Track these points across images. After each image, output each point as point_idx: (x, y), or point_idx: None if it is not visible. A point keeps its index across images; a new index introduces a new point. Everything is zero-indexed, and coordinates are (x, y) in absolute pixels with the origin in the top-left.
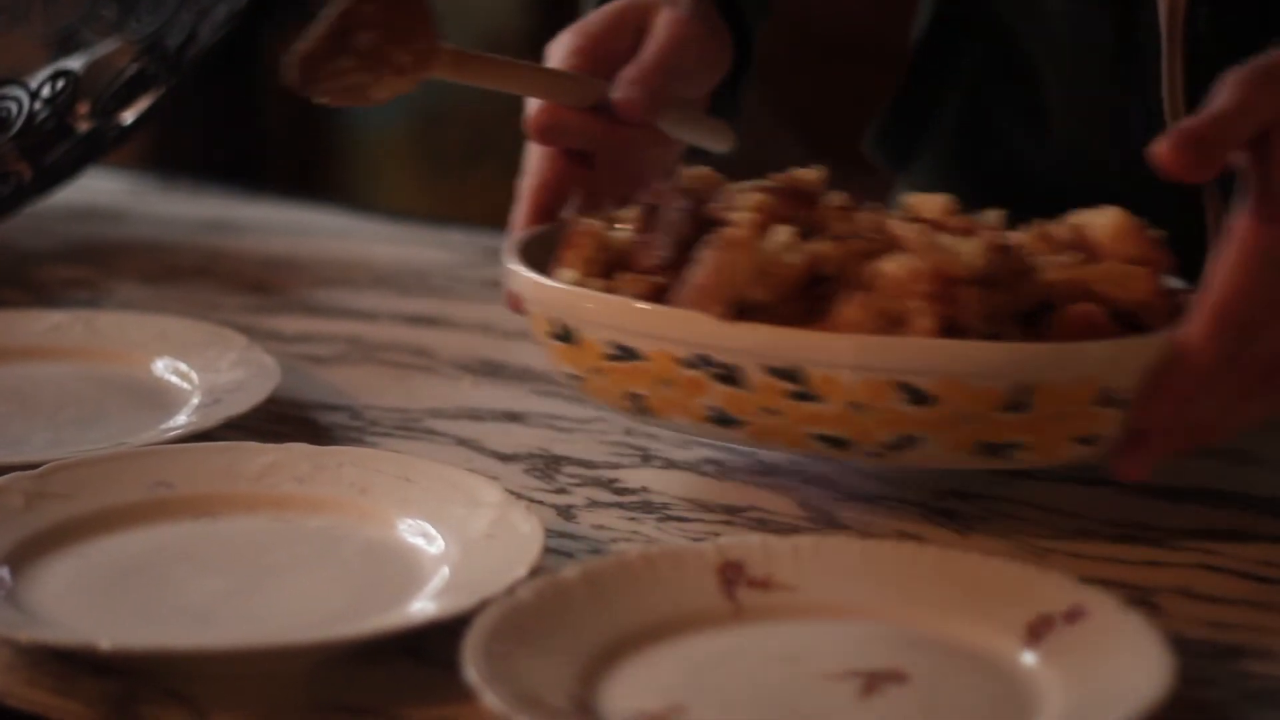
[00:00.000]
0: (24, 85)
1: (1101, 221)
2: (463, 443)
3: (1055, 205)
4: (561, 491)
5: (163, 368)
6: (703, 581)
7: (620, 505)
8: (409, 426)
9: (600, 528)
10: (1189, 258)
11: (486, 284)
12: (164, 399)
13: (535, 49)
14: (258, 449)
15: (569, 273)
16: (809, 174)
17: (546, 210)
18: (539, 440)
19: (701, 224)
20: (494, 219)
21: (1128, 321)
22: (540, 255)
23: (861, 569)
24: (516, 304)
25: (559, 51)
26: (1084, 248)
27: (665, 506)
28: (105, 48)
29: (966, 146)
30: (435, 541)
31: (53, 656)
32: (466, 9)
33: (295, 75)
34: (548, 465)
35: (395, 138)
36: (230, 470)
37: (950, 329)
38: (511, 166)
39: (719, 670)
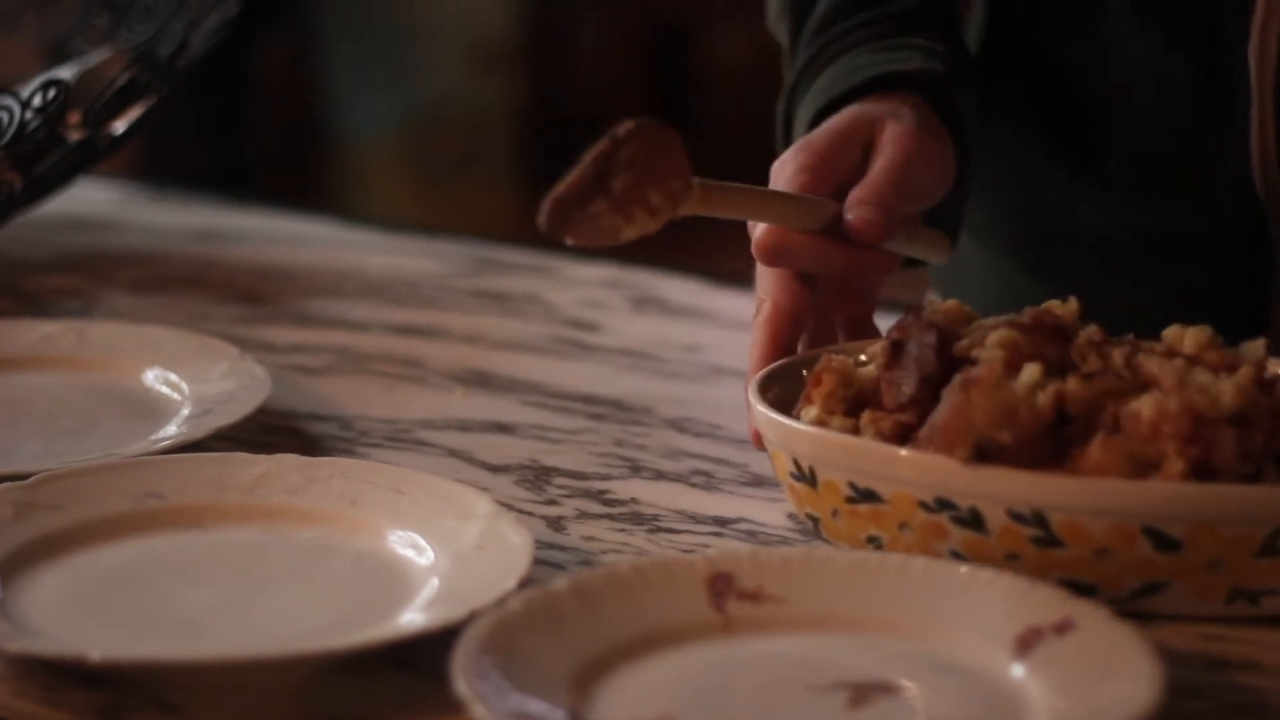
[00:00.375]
0: (15, 94)
1: None
2: (453, 454)
3: (1111, 252)
4: (551, 503)
5: (153, 378)
6: (692, 593)
7: (610, 516)
8: (399, 437)
9: (590, 539)
10: (1249, 318)
11: (477, 294)
12: (154, 409)
13: (524, 58)
14: (248, 460)
15: (812, 410)
16: (1062, 308)
17: (786, 340)
18: (529, 451)
19: (949, 361)
20: (485, 229)
21: None
22: (784, 390)
23: (851, 581)
24: (759, 441)
25: (786, 170)
26: None
27: (655, 518)
28: (97, 57)
29: (1010, 186)
30: (425, 553)
31: (42, 667)
32: (455, 18)
33: (547, 219)
34: (537, 476)
35: (387, 148)
36: (220, 481)
37: (1204, 471)
38: (502, 176)
39: (708, 682)
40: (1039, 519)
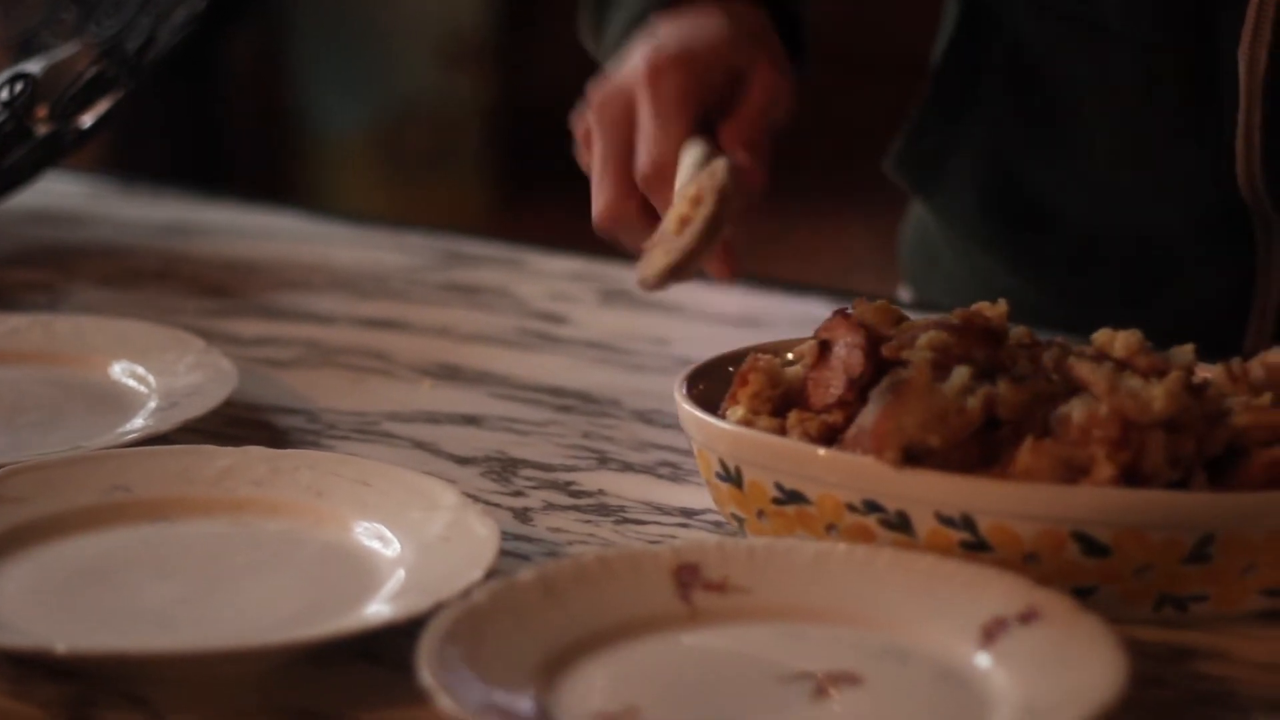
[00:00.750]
0: None
1: None
2: (420, 445)
3: (1088, 240)
4: (518, 494)
5: (120, 371)
6: (658, 584)
7: (577, 508)
8: (366, 429)
9: (557, 530)
10: (1232, 323)
11: (445, 287)
12: (121, 402)
13: (494, 55)
14: (215, 452)
15: (738, 410)
16: (992, 309)
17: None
18: (496, 443)
19: (877, 362)
20: (454, 222)
21: None
22: (710, 388)
23: (816, 571)
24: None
25: (669, 82)
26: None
27: (622, 509)
28: (64, 51)
29: (987, 175)
30: (391, 544)
31: (8, 660)
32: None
33: (656, 284)
34: (505, 468)
35: (357, 142)
36: (187, 473)
37: (1134, 476)
38: (471, 170)
39: (674, 672)
40: (967, 522)
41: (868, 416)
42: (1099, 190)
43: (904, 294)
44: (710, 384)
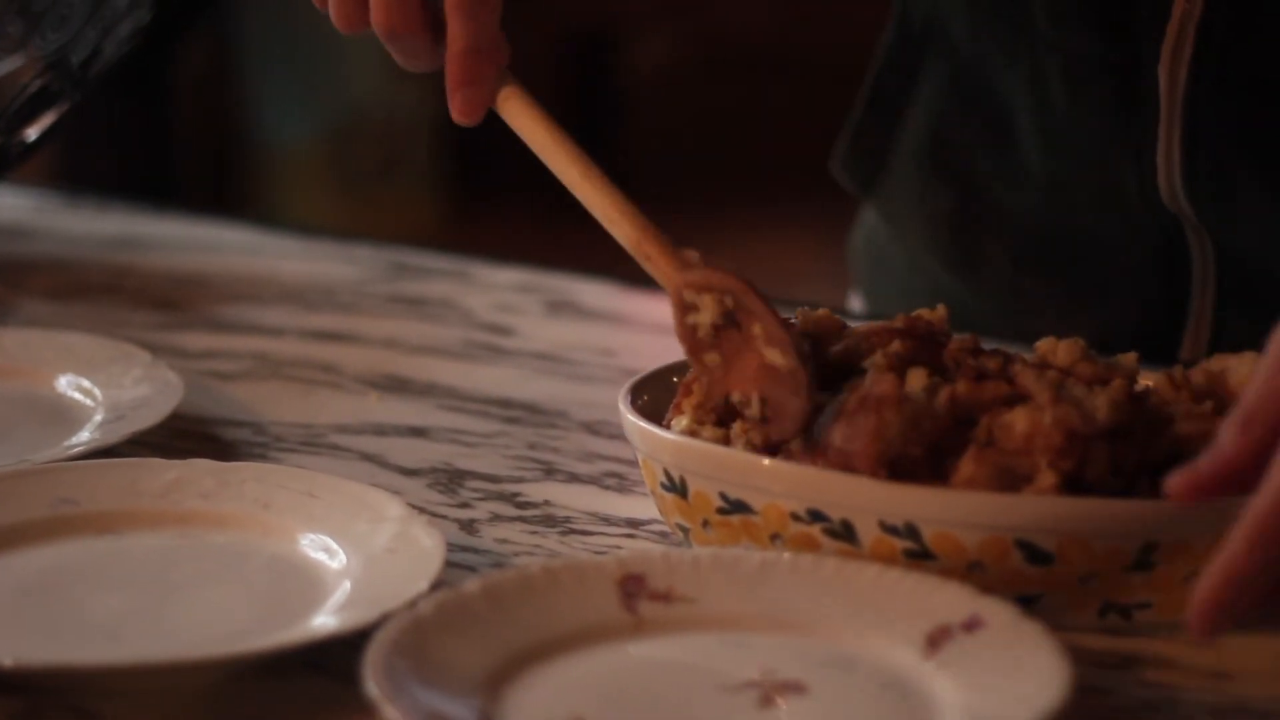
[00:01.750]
0: None
1: (1240, 369)
2: (367, 458)
3: (1027, 244)
4: (464, 506)
5: (66, 384)
6: (604, 594)
7: (523, 519)
8: (313, 442)
9: (503, 541)
10: (1170, 328)
11: (393, 299)
12: (67, 416)
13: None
14: (161, 465)
15: (682, 420)
16: (932, 314)
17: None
18: (443, 455)
19: (823, 369)
20: (402, 233)
21: None
22: (654, 398)
23: (761, 581)
24: None
25: None
26: (1221, 395)
27: (568, 520)
28: (9, 65)
29: (934, 174)
30: (337, 556)
31: None
32: None
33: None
34: (451, 480)
35: (307, 154)
36: (134, 487)
37: (1077, 485)
38: (420, 182)
39: (619, 682)
40: (911, 531)
41: (833, 432)
42: (1037, 195)
43: (855, 301)
44: (655, 394)
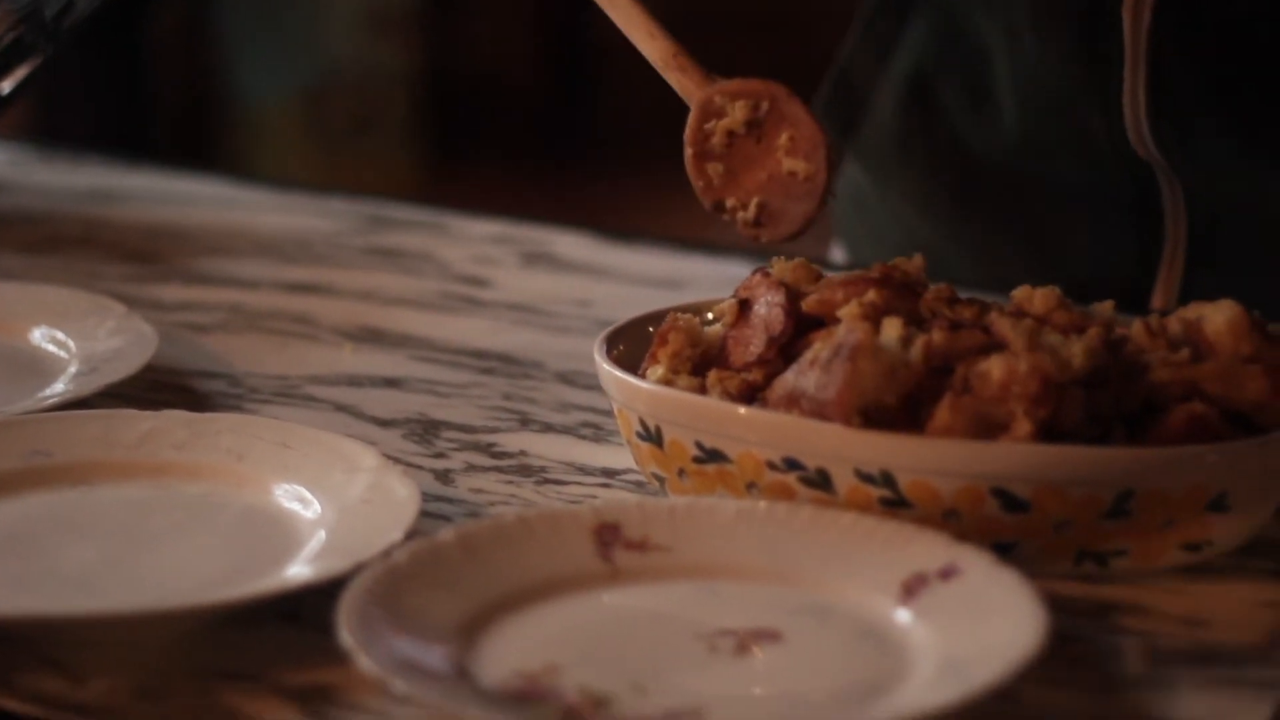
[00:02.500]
0: None
1: (1216, 317)
2: (341, 409)
3: (1004, 192)
4: (440, 456)
5: (40, 336)
6: (579, 543)
7: (498, 469)
8: (288, 393)
9: (478, 491)
10: (1144, 270)
11: (369, 251)
12: (41, 368)
13: (420, 23)
14: (135, 416)
15: (658, 370)
16: (909, 263)
17: None
18: (418, 405)
19: (798, 319)
20: (379, 188)
21: (1242, 423)
22: (630, 348)
23: (736, 529)
24: None
25: None
26: (1197, 343)
27: (543, 470)
28: None
29: (912, 121)
30: (312, 506)
31: None
32: None
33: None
34: (426, 430)
35: (283, 108)
36: (107, 438)
37: (1052, 432)
38: (397, 137)
39: (595, 631)
40: (887, 479)
41: (807, 381)
42: (1011, 143)
43: (837, 253)
44: (630, 344)
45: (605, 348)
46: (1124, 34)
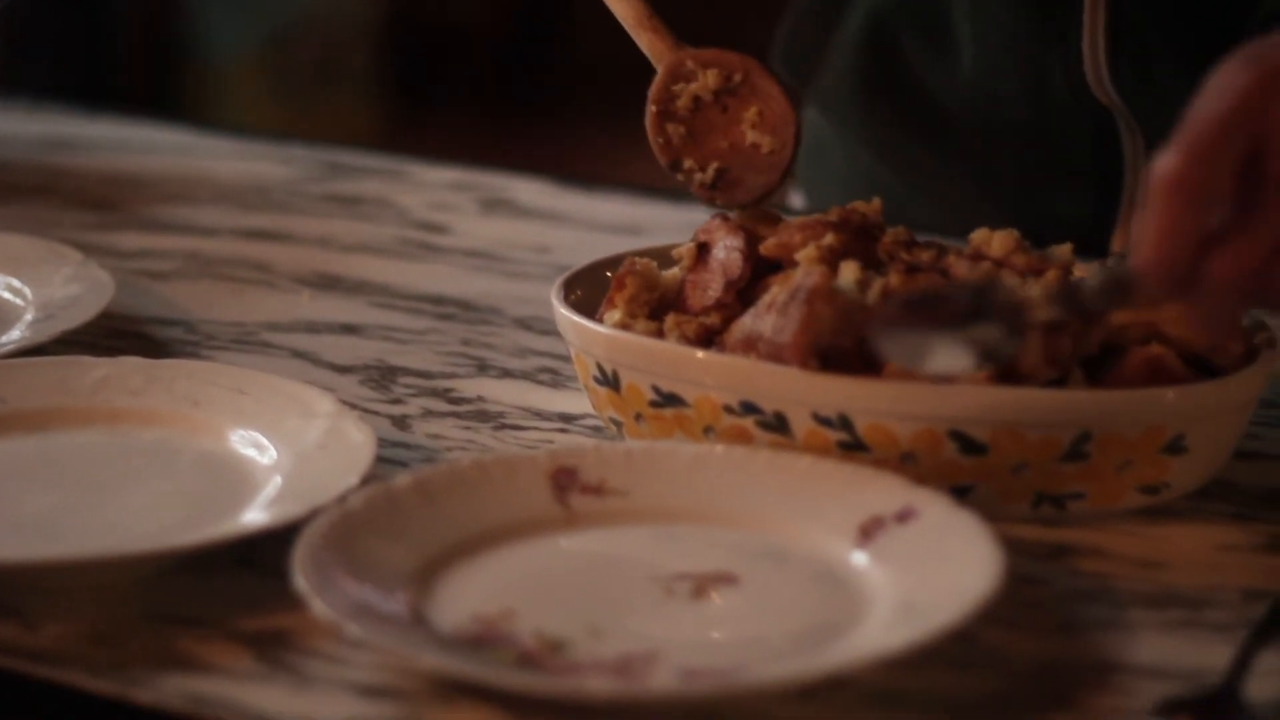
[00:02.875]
0: None
1: None
2: (299, 355)
3: (963, 137)
4: (397, 402)
5: None
6: (535, 488)
7: (456, 414)
8: (245, 340)
9: (436, 437)
10: (1102, 215)
11: (327, 198)
12: None
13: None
14: (91, 363)
15: (615, 314)
16: (867, 206)
17: None
18: (375, 352)
19: (756, 263)
20: (343, 136)
21: (1201, 365)
22: (587, 293)
23: (694, 473)
24: None
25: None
26: None
27: (501, 415)
28: None
29: (871, 65)
30: (268, 452)
31: None
32: None
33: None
34: (383, 376)
35: (246, 57)
36: (64, 384)
37: (1010, 375)
38: (361, 87)
39: (551, 574)
40: (844, 422)
41: (764, 324)
42: (969, 88)
43: (796, 198)
44: (588, 290)
45: (563, 292)
46: None
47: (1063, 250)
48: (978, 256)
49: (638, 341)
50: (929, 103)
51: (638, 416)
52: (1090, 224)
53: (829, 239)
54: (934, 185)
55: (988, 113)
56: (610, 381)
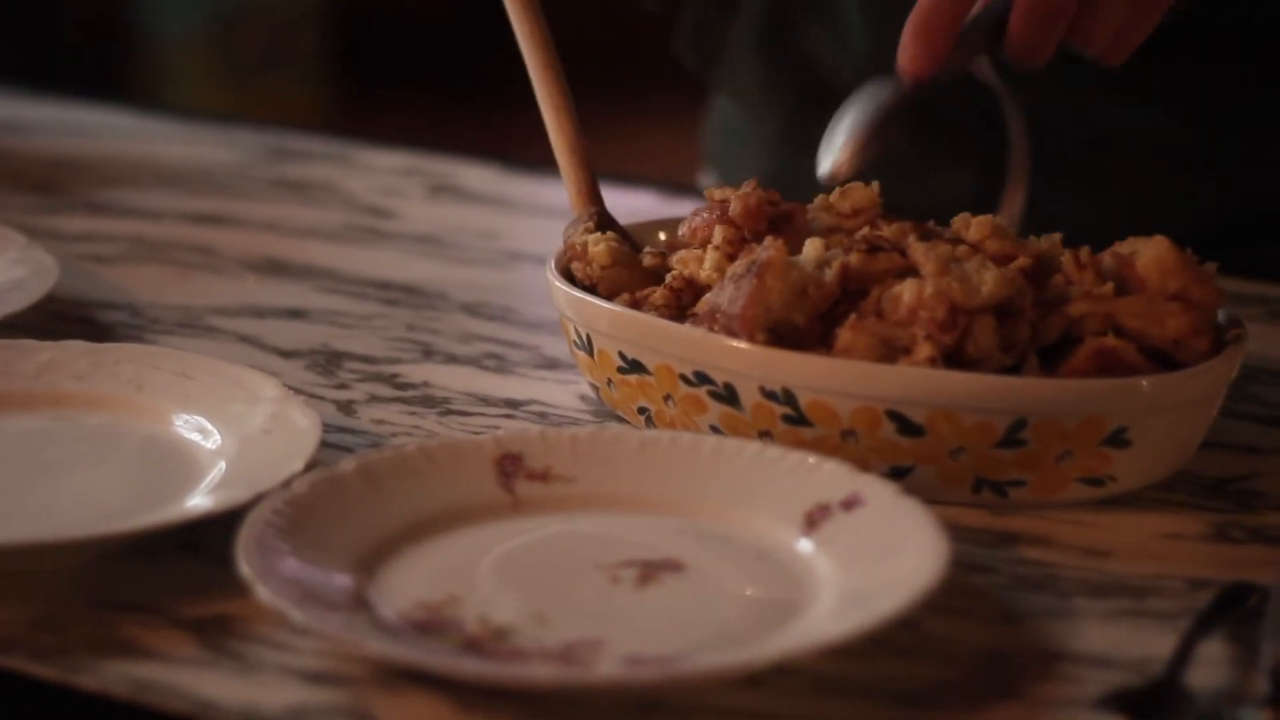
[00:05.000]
0: None
1: (1146, 252)
2: (244, 339)
3: None
4: (342, 387)
5: None
6: (481, 474)
7: (402, 400)
8: (191, 324)
9: (381, 423)
10: (992, 177)
11: (274, 183)
12: None
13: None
14: (34, 347)
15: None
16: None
17: None
18: (321, 336)
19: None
20: (290, 120)
21: (1162, 359)
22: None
23: (640, 460)
24: None
25: None
26: (1127, 278)
27: (446, 401)
28: None
29: (772, 49)
30: (212, 437)
31: None
32: None
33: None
34: (329, 361)
35: (193, 40)
36: (7, 368)
37: (960, 359)
38: (309, 71)
39: (496, 561)
40: (789, 397)
41: (722, 296)
42: (863, 68)
43: (706, 180)
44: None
45: (555, 263)
46: None
47: (1051, 239)
48: (955, 241)
49: (605, 309)
50: (828, 84)
51: (609, 382)
52: (975, 201)
53: (720, 236)
54: None
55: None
56: (586, 346)
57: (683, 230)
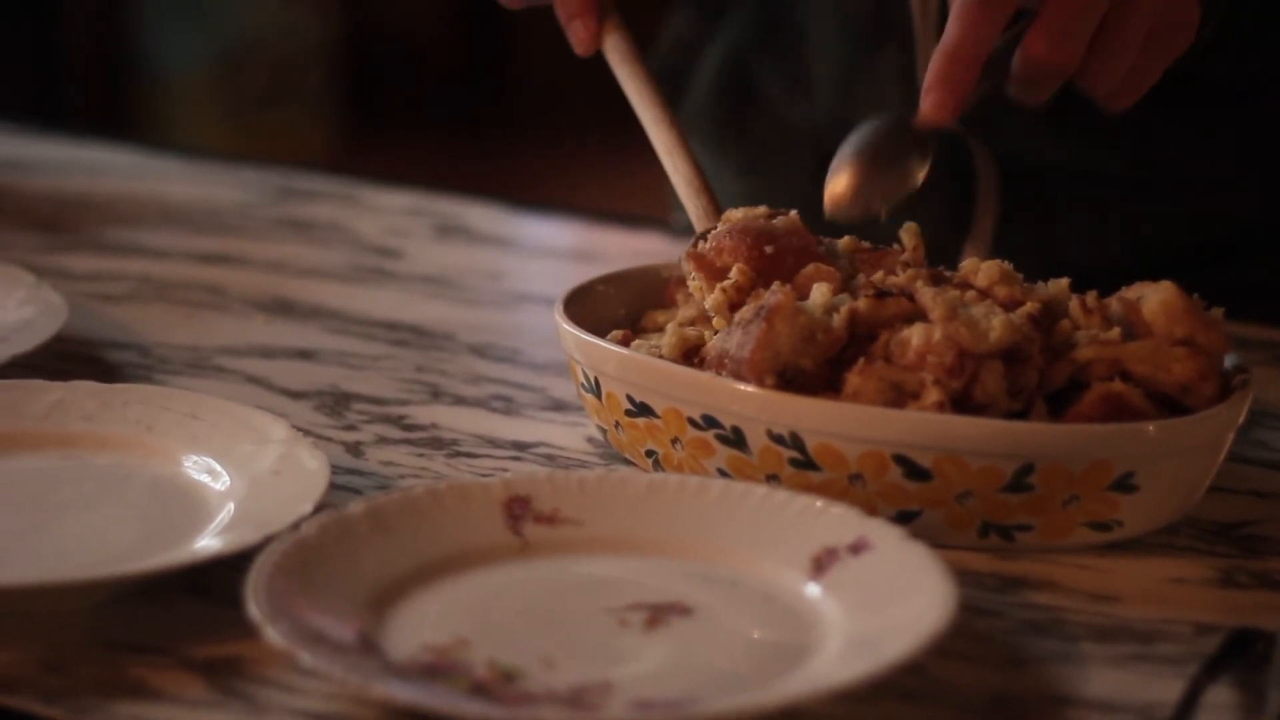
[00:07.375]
0: None
1: (1152, 298)
2: (252, 380)
3: (822, 162)
4: (350, 428)
5: None
6: (489, 516)
7: (410, 441)
8: (199, 364)
9: (389, 464)
10: (957, 227)
11: (280, 222)
12: None
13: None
14: (44, 387)
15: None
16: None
17: None
18: (329, 377)
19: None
20: (295, 157)
21: (1171, 405)
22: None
23: (648, 503)
24: None
25: None
26: (1134, 323)
27: (454, 442)
28: None
29: (730, 98)
30: (221, 478)
31: None
32: None
33: None
34: (337, 402)
35: (198, 77)
36: (16, 408)
37: (967, 404)
38: (314, 107)
39: (504, 604)
40: (796, 441)
41: (731, 340)
42: (827, 119)
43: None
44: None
45: (563, 304)
46: (914, 18)
47: (1059, 284)
48: (964, 286)
49: (613, 352)
50: (789, 131)
51: (616, 425)
52: (945, 238)
53: (730, 281)
54: (804, 205)
55: (840, 138)
56: (594, 389)
57: (704, 248)
